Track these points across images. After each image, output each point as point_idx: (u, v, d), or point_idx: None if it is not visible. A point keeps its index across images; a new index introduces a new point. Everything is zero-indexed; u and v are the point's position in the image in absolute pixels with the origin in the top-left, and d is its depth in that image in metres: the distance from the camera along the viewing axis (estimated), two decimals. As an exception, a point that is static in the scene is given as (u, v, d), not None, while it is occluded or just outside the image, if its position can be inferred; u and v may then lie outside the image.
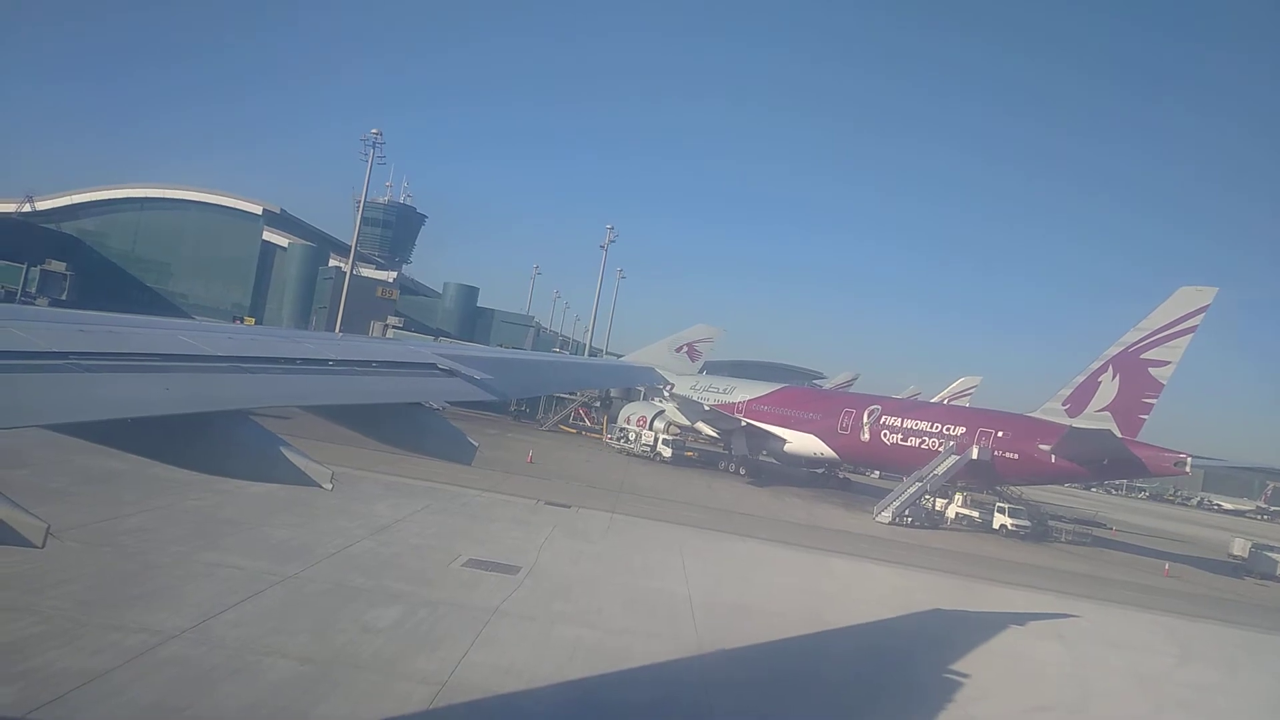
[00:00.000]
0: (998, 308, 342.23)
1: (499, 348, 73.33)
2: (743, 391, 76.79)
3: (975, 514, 61.59)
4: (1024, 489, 65.93)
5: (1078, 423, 55.76)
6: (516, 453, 55.61)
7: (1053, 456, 56.13)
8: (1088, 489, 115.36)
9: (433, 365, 9.38)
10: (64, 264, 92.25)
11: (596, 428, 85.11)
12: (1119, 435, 53.94)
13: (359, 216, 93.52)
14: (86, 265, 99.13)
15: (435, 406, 8.75)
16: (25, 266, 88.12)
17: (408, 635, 19.13)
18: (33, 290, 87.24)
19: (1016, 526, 59.90)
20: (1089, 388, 57.33)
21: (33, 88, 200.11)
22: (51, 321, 6.02)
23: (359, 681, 16.28)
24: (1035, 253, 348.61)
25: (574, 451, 68.37)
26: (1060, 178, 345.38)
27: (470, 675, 17.25)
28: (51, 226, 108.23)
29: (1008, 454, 58.54)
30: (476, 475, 39.52)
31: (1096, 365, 57.47)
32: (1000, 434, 59.15)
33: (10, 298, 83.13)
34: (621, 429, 73.35)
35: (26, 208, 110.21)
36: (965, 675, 23.26)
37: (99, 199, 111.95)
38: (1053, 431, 56.31)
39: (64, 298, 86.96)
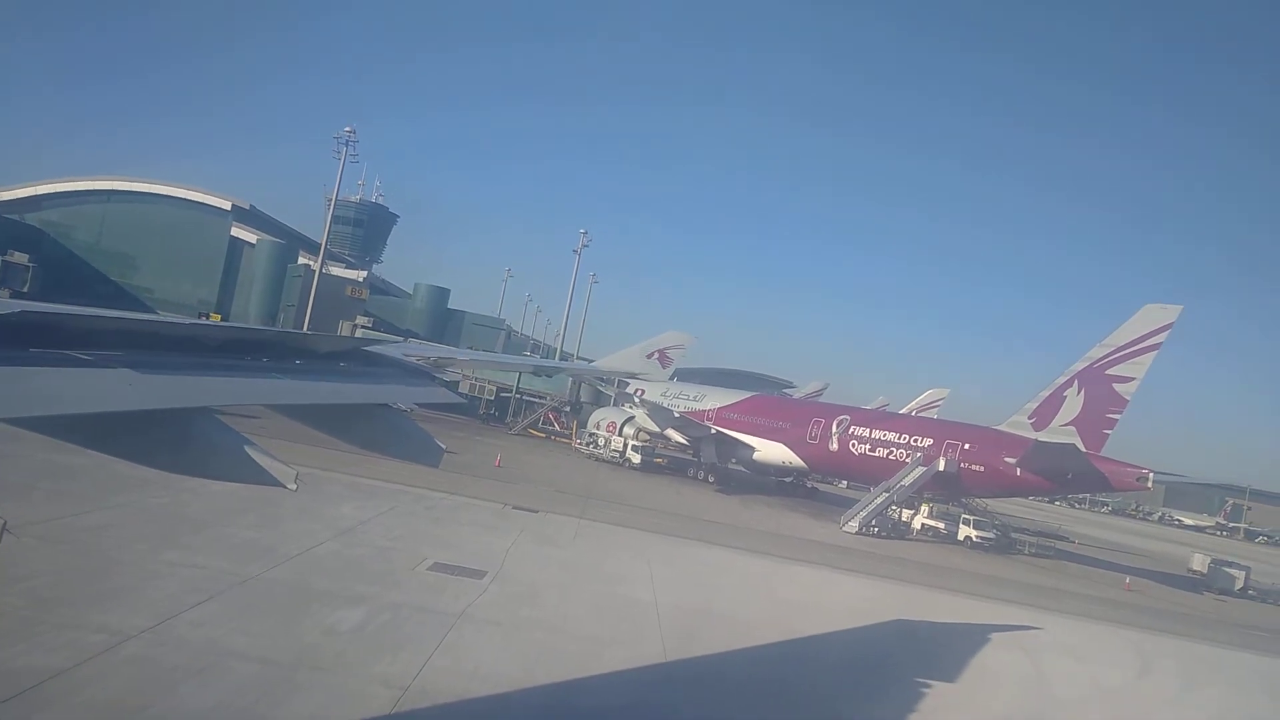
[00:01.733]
0: (967, 320, 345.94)
1: (469, 350, 72.85)
2: (713, 399, 76.91)
3: (941, 525, 62.02)
4: (989, 501, 66.48)
5: (1043, 436, 56.36)
6: (484, 456, 55.34)
7: (1018, 469, 56.67)
8: (1051, 502, 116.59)
9: (401, 366, 9.31)
10: (26, 255, 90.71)
11: (566, 432, 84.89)
12: (1083, 450, 54.58)
13: (330, 214, 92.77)
14: (50, 257, 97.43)
15: (403, 408, 8.69)
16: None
17: (371, 638, 18.96)
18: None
19: (981, 538, 60.42)
20: (1054, 402, 57.95)
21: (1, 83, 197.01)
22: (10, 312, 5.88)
23: (321, 684, 16.09)
24: (1005, 266, 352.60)
25: (543, 456, 68.15)
26: (1032, 190, 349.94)
27: (434, 679, 17.12)
28: (14, 217, 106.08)
29: (974, 466, 59.04)
30: (443, 478, 39.29)
31: (1062, 380, 58.13)
32: (967, 446, 59.63)
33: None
34: (591, 434, 73.21)
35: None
36: (928, 685, 23.41)
37: (64, 190, 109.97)
38: (1018, 445, 56.88)
39: (25, 290, 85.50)
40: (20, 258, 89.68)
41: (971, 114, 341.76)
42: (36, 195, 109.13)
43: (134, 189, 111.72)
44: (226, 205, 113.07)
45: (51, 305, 6.47)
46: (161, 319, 6.52)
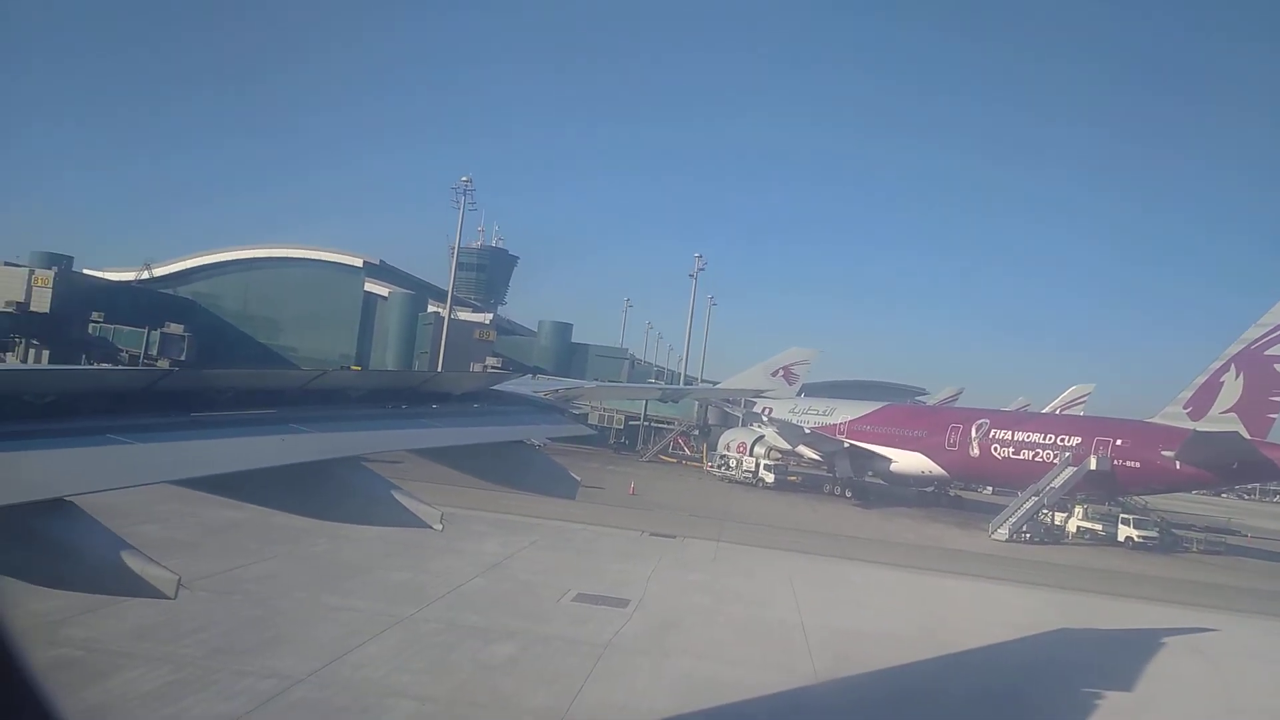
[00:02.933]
0: (1110, 311, 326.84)
1: (594, 381, 73.75)
2: (844, 412, 75.60)
3: (1098, 527, 59.09)
4: (1148, 498, 63.05)
5: (1201, 426, 53.11)
6: (618, 485, 55.78)
7: (1177, 463, 53.56)
8: (1217, 495, 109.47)
9: (531, 403, 9.53)
10: (182, 326, 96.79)
11: (696, 456, 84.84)
12: (1247, 437, 51.20)
13: (454, 263, 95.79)
14: (203, 326, 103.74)
15: (536, 444, 8.90)
16: (146, 330, 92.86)
17: (523, 671, 19.30)
18: (154, 352, 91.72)
19: (1143, 538, 57.18)
20: (1211, 389, 54.61)
21: (142, 160, 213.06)
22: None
23: (479, 719, 16.46)
24: (1147, 253, 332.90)
25: (675, 481, 68.25)
26: (1172, 171, 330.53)
27: (587, 711, 17.27)
28: (169, 291, 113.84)
29: (1128, 463, 56.12)
30: (580, 509, 39.68)
31: (1218, 365, 54.76)
32: (1119, 442, 56.76)
33: (135, 361, 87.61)
34: (722, 456, 72.93)
35: (145, 274, 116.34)
36: (1099, 696, 22.22)
37: (210, 262, 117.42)
38: (1175, 437, 53.75)
39: (184, 358, 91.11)
40: (176, 328, 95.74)
41: (1104, 128, 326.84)
42: (186, 269, 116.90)
43: (272, 255, 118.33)
44: (358, 262, 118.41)
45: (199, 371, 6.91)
46: (308, 372, 6.89)
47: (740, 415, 78.10)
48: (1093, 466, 56.16)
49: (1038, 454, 60.42)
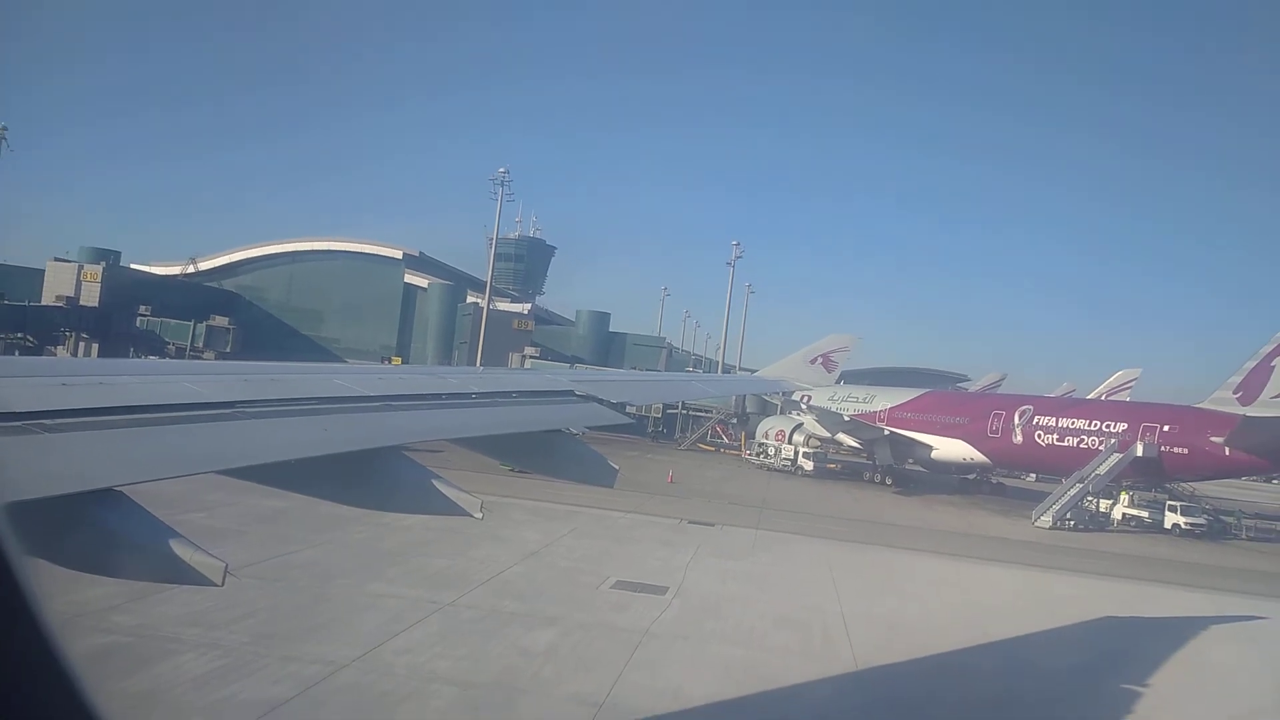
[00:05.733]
0: (1155, 298, 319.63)
1: (632, 370, 73.87)
2: (884, 399, 74.98)
3: (1144, 514, 58.07)
4: (1196, 485, 61.93)
5: (1252, 411, 52.05)
6: (656, 473, 55.88)
7: (1226, 449, 52.58)
8: (1268, 481, 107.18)
9: (570, 392, 9.59)
10: (226, 319, 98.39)
11: (735, 444, 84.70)
12: (1300, 422, 50.08)
13: (492, 253, 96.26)
14: (247, 318, 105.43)
15: (575, 432, 8.95)
16: (192, 323, 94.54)
17: (563, 658, 19.46)
18: (200, 345, 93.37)
19: (1190, 525, 56.06)
20: (1262, 373, 53.43)
21: (186, 155, 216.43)
22: (219, 374, 6.46)
23: (520, 704, 16.65)
24: (1193, 244, 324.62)
25: (714, 469, 68.22)
26: (1220, 164, 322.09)
27: (627, 696, 17.37)
28: (213, 285, 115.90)
29: (1176, 449, 55.15)
30: (619, 497, 39.88)
31: (1269, 348, 53.56)
32: (1166, 428, 55.79)
33: (181, 353, 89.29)
34: (760, 444, 72.76)
35: (190, 269, 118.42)
36: (1145, 685, 21.92)
37: (254, 256, 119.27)
38: (1225, 422, 52.74)
39: (228, 350, 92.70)
40: (221, 321, 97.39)
41: (1155, 105, 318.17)
42: (230, 263, 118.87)
43: (314, 248, 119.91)
44: (398, 254, 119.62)
45: (244, 363, 7.03)
46: (345, 369, 7.02)
47: (779, 403, 77.78)
48: (1139, 453, 55.31)
49: (1082, 440, 59.58)
